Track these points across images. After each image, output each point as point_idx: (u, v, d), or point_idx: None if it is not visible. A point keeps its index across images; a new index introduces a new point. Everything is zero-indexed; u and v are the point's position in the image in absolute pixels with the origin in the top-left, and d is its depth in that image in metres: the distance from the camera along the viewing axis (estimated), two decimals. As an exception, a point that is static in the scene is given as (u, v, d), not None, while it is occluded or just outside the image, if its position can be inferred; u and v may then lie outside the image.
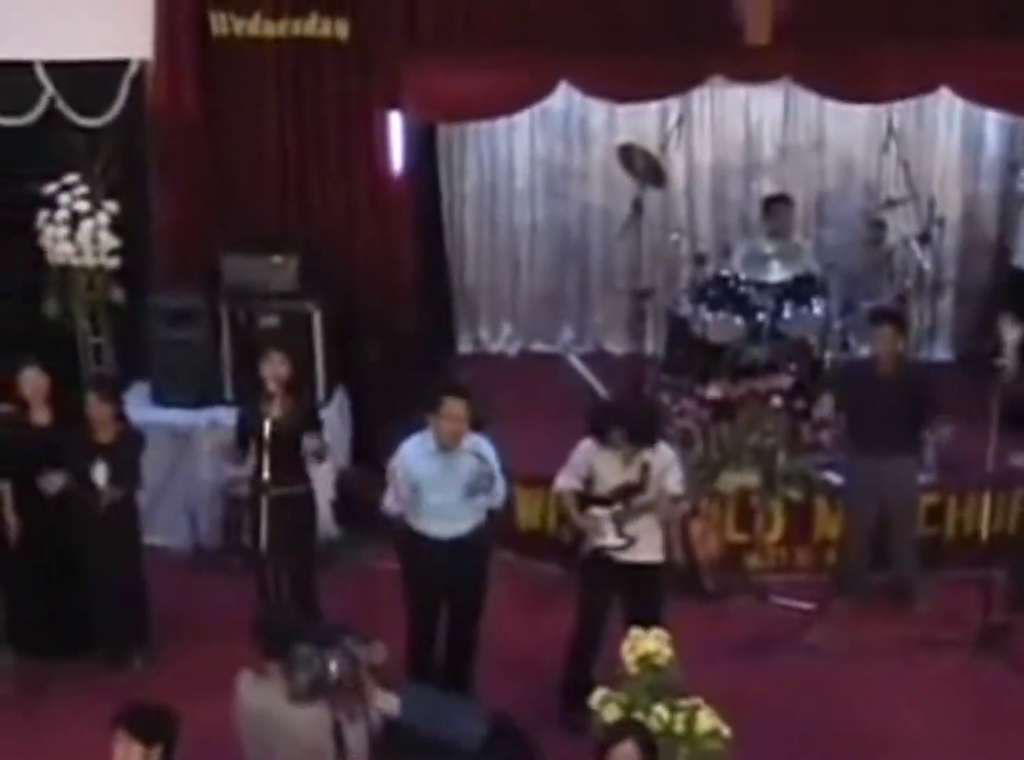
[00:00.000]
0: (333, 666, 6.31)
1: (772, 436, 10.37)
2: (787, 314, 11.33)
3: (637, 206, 11.59)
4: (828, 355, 11.34)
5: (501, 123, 12.56)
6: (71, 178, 10.69)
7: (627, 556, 8.36)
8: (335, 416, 10.82)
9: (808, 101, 12.32)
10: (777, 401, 10.66)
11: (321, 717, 6.27)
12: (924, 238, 11.60)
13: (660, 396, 11.06)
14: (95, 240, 10.70)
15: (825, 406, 9.97)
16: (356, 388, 11.35)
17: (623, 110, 12.39)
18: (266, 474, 8.96)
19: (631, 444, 8.23)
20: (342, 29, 10.78)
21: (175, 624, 9.53)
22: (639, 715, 6.78)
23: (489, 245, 13.24)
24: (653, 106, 12.27)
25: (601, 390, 11.83)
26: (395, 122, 11.02)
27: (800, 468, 10.34)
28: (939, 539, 10.27)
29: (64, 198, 10.66)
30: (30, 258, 10.85)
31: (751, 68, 10.63)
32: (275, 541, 9.04)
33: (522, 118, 12.46)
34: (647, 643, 7.12)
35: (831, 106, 12.21)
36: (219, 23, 10.87)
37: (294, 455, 9.13)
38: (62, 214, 10.66)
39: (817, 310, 11.37)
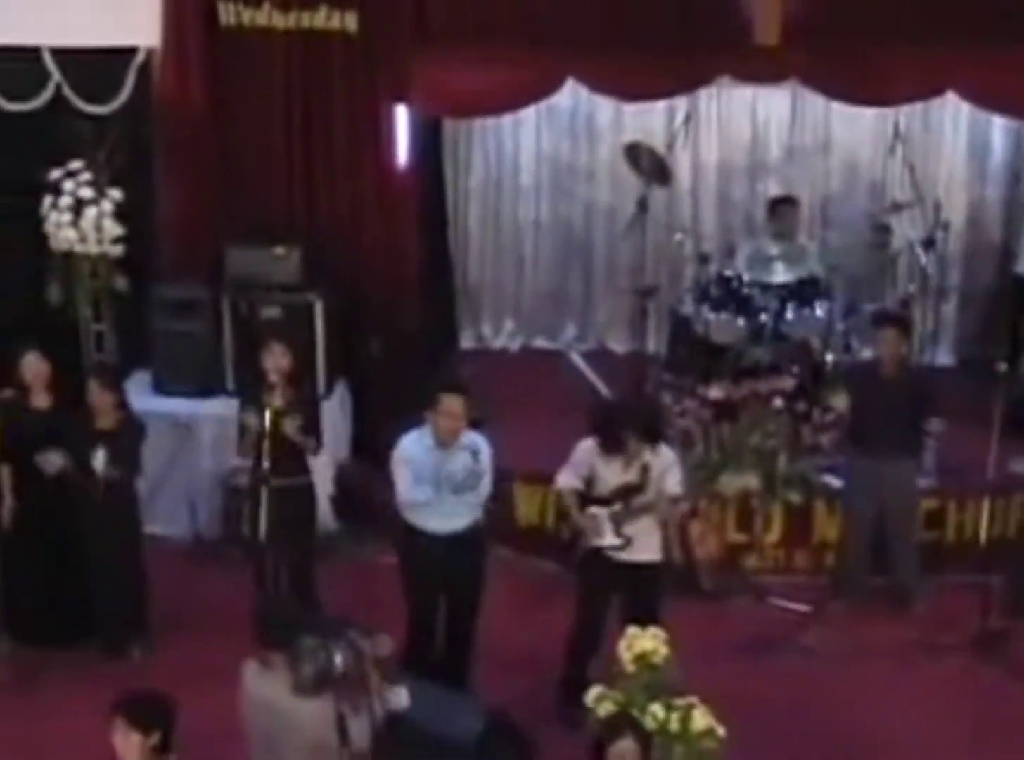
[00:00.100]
0: (338, 659, 6.31)
1: (773, 438, 10.36)
2: (790, 315, 11.33)
3: (642, 204, 11.59)
4: (830, 357, 11.33)
5: (507, 119, 12.56)
6: (76, 164, 10.68)
7: (625, 556, 8.36)
8: (336, 409, 10.81)
9: (815, 103, 12.33)
10: (779, 402, 10.64)
11: (325, 709, 6.26)
12: (929, 242, 11.58)
13: (662, 395, 11.04)
14: (99, 228, 10.70)
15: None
16: (357, 382, 11.34)
17: (630, 108, 12.39)
18: (266, 465, 8.95)
19: (641, 443, 8.21)
20: (351, 22, 10.77)
21: (173, 613, 9.51)
22: (635, 713, 6.77)
23: (493, 241, 13.24)
24: (660, 105, 12.28)
25: (603, 388, 11.84)
26: (401, 116, 11.00)
27: (800, 470, 10.33)
28: (938, 543, 10.25)
29: (68, 185, 10.65)
30: (34, 245, 10.83)
31: (759, 68, 10.62)
32: (274, 532, 9.04)
33: (528, 114, 12.48)
34: (644, 642, 7.12)
35: (838, 108, 12.22)
36: (227, 13, 10.85)
37: (294, 446, 9.14)
38: (66, 201, 10.65)
39: (820, 312, 11.37)
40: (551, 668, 8.64)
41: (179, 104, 10.95)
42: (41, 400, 9.17)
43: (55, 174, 10.66)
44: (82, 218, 10.64)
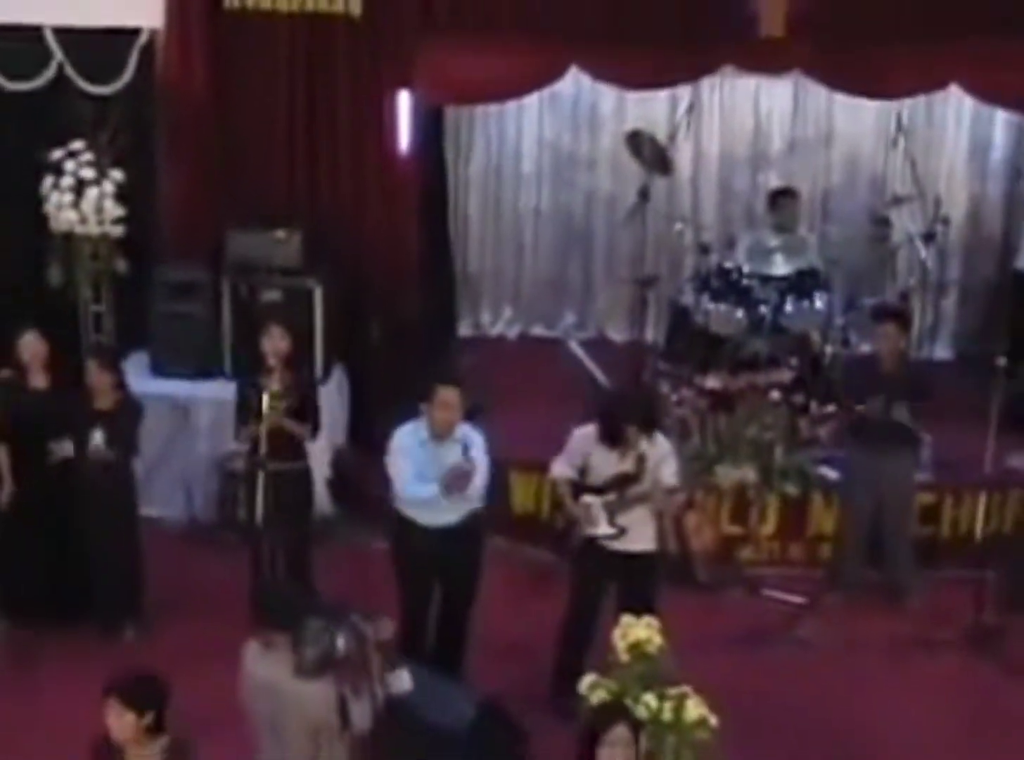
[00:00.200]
0: (341, 641, 6.33)
1: (770, 430, 10.35)
2: (789, 308, 11.33)
3: (643, 194, 11.59)
4: (829, 350, 11.33)
5: (510, 106, 12.57)
6: (77, 145, 10.66)
7: (619, 545, 8.35)
8: (334, 394, 10.81)
9: (817, 95, 12.34)
10: (776, 395, 10.64)
11: (327, 692, 6.28)
12: (929, 237, 11.59)
13: (659, 385, 11.05)
14: (99, 209, 10.68)
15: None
16: (355, 367, 11.33)
17: (632, 97, 12.41)
18: (263, 449, 8.95)
19: (639, 433, 8.20)
20: (355, 6, 10.75)
21: (168, 596, 9.51)
22: (628, 702, 6.77)
23: (493, 228, 13.24)
24: (662, 94, 12.30)
25: (601, 377, 11.83)
26: (404, 102, 10.99)
27: (797, 463, 10.33)
28: (934, 538, 10.26)
29: (70, 165, 10.63)
30: (34, 225, 10.81)
31: (763, 59, 10.63)
32: (271, 516, 9.03)
33: (531, 102, 12.48)
34: (638, 631, 7.11)
35: (840, 100, 12.24)
36: (231, -5, 10.86)
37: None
38: (67, 181, 10.63)
39: (819, 305, 11.37)
40: (545, 657, 8.63)
41: (182, 86, 10.94)
42: (39, 380, 9.17)
43: (56, 154, 10.64)
44: (83, 199, 10.62)
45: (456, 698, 7.94)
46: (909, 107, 12.12)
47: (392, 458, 8.35)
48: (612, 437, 8.25)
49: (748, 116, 12.78)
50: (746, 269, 11.48)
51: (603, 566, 8.42)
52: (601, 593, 8.49)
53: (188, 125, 11.03)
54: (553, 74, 10.84)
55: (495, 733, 7.96)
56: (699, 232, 12.41)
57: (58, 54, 10.97)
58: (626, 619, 7.19)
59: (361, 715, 6.38)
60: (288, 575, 9.15)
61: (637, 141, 11.66)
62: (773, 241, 11.59)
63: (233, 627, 8.74)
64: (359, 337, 11.21)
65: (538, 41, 10.45)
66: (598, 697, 6.90)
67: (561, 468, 8.52)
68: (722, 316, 11.36)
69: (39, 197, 10.72)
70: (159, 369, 10.98)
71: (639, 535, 8.38)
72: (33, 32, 10.95)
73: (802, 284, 11.40)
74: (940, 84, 10.80)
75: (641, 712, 6.69)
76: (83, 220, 10.67)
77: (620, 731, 5.98)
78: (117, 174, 10.71)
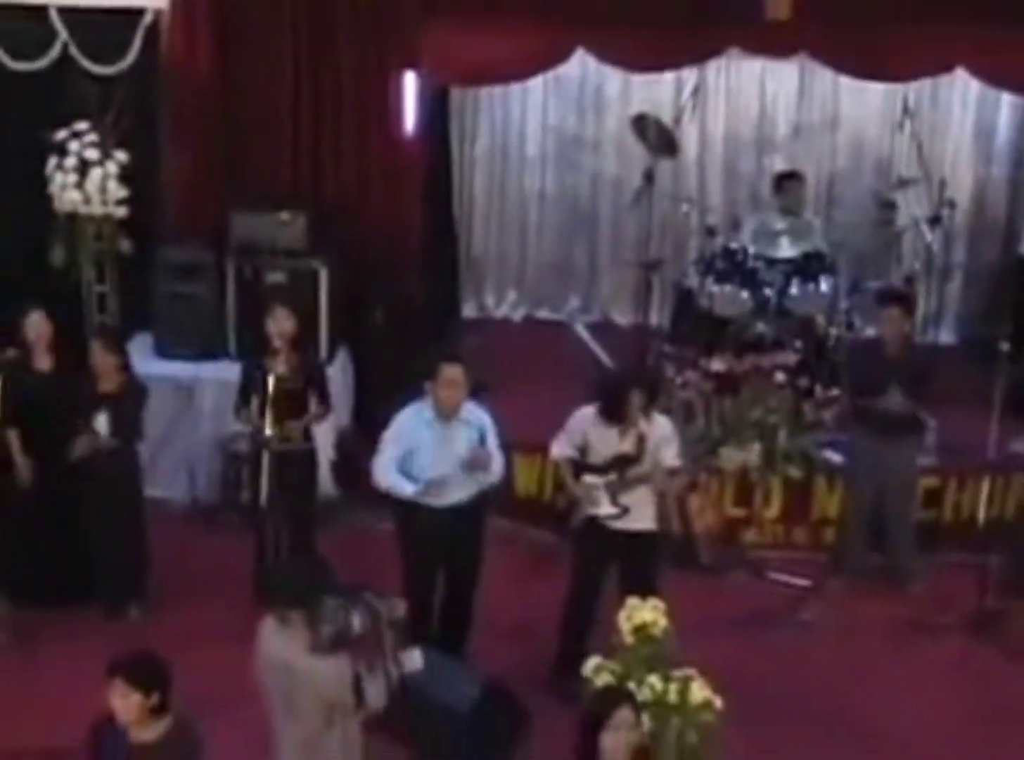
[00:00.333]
0: (356, 620, 6.33)
1: (775, 413, 10.34)
2: (794, 291, 11.32)
3: (648, 176, 11.56)
4: (833, 333, 11.32)
5: (515, 88, 12.54)
6: (81, 125, 10.64)
7: (621, 525, 8.37)
8: (338, 376, 10.79)
9: (823, 78, 12.32)
10: (781, 377, 10.64)
11: (342, 669, 6.29)
12: (934, 220, 11.58)
13: (664, 367, 11.04)
14: (103, 189, 10.66)
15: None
16: (359, 349, 11.31)
17: (638, 79, 12.38)
18: (268, 430, 8.94)
19: (641, 412, 8.19)
20: (361, -14, 10.74)
21: (171, 577, 9.52)
22: (632, 685, 6.77)
23: (498, 211, 13.23)
24: (668, 76, 12.28)
25: (605, 359, 11.82)
26: (409, 84, 10.96)
27: (801, 446, 10.33)
28: (936, 522, 10.26)
29: (74, 145, 10.62)
30: (38, 206, 10.80)
31: (769, 42, 10.61)
32: (275, 498, 9.04)
33: (536, 84, 12.46)
34: (644, 613, 7.11)
35: (846, 84, 12.21)
36: (236, -24, 10.83)
37: (297, 412, 9.14)
38: (71, 161, 10.61)
39: (824, 288, 11.36)
40: (547, 638, 8.65)
41: (186, 67, 10.91)
42: (44, 362, 9.16)
43: (60, 135, 10.62)
44: (87, 180, 10.61)
45: (460, 679, 7.95)
46: (915, 90, 12.08)
47: (383, 442, 8.38)
48: (612, 412, 8.24)
49: (754, 99, 12.75)
50: (751, 251, 11.48)
51: (605, 545, 8.43)
52: (603, 573, 8.50)
53: (192, 106, 11.00)
54: (559, 56, 10.81)
55: (498, 714, 7.98)
56: (704, 215, 12.38)
57: (63, 34, 10.94)
58: (631, 601, 7.19)
59: (375, 693, 6.40)
60: (291, 557, 9.14)
61: (642, 124, 11.65)
62: (779, 224, 11.59)
63: (236, 608, 8.85)
64: (363, 319, 11.19)
65: (544, 22, 10.41)
66: (603, 680, 6.91)
67: (561, 448, 8.54)
68: (727, 298, 11.35)
69: (43, 178, 10.70)
70: (163, 350, 10.97)
71: (641, 514, 8.39)
72: (38, 11, 10.91)
73: (807, 267, 11.39)
74: (946, 67, 10.77)
75: (646, 694, 6.69)
76: (87, 201, 10.65)
77: (624, 715, 5.97)
78: (121, 155, 10.70)
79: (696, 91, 12.11)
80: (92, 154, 10.61)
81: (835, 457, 10.27)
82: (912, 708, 8.54)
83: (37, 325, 9.10)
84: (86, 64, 10.95)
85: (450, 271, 12.81)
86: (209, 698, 7.41)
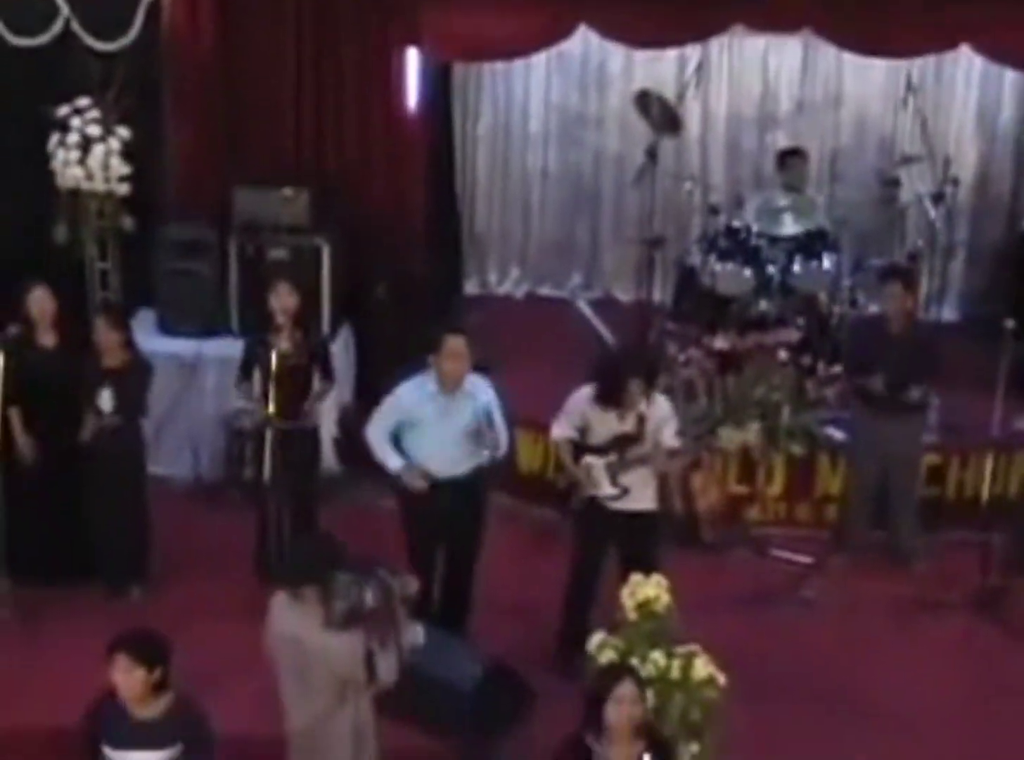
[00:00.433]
0: (369, 595, 6.34)
1: (778, 390, 10.33)
2: (797, 268, 11.30)
3: (651, 153, 11.53)
4: (836, 311, 11.30)
5: (517, 65, 12.50)
6: (83, 102, 10.62)
7: (620, 505, 8.36)
8: (340, 352, 10.78)
9: (827, 55, 12.28)
10: (784, 355, 10.63)
11: (355, 645, 6.30)
12: (938, 197, 11.53)
13: (666, 345, 11.04)
14: (106, 166, 10.64)
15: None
16: (362, 326, 11.31)
17: (641, 56, 12.35)
18: (271, 407, 8.93)
19: (644, 387, 8.18)
20: (363, -38, 10.71)
21: (173, 554, 9.52)
22: (635, 661, 6.78)
23: (500, 188, 13.21)
24: (671, 53, 12.25)
25: (608, 336, 11.81)
26: (412, 60, 10.94)
27: (804, 423, 10.31)
28: (939, 500, 10.25)
29: (76, 122, 10.59)
30: (41, 183, 10.78)
31: (773, 18, 10.58)
32: (278, 475, 9.03)
33: (539, 61, 12.42)
34: (647, 589, 7.12)
35: (849, 60, 12.18)
36: (239, -49, 10.80)
37: (300, 388, 9.13)
38: (73, 138, 10.58)
39: (827, 265, 11.33)
40: (549, 616, 8.66)
41: (188, 43, 10.89)
42: (47, 338, 9.13)
43: (63, 111, 10.60)
44: (89, 156, 10.58)
45: (463, 657, 7.97)
46: (919, 67, 12.04)
47: (380, 410, 8.42)
48: (610, 396, 8.22)
49: (757, 76, 12.71)
50: (755, 229, 11.46)
51: (605, 526, 8.43)
52: (603, 554, 8.50)
53: (195, 82, 10.99)
54: (562, 32, 10.78)
55: (501, 692, 7.99)
56: (707, 192, 12.35)
57: (65, 9, 10.90)
58: (635, 577, 7.20)
59: (387, 669, 6.42)
60: (293, 534, 9.14)
61: (645, 101, 11.62)
62: (782, 201, 11.56)
63: (239, 585, 8.87)
64: (366, 296, 11.18)
65: (547, -2, 10.41)
66: (606, 656, 6.92)
67: (561, 429, 8.52)
68: (730, 276, 11.33)
69: (45, 154, 10.68)
70: (166, 327, 10.96)
71: (640, 495, 8.39)
72: (40, -13, 10.91)
73: (810, 244, 11.37)
74: (951, 44, 10.73)
75: (649, 670, 6.71)
76: (89, 177, 10.62)
77: (626, 687, 5.99)
78: (123, 131, 10.67)
79: (699, 68, 12.06)
80: (94, 130, 10.58)
81: (838, 434, 10.27)
82: (914, 685, 8.55)
83: (41, 301, 9.06)
84: (88, 40, 10.92)
85: (453, 248, 12.78)
86: (211, 674, 7.45)
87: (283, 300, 9.07)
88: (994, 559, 9.46)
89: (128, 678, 5.92)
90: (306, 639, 6.31)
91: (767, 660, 8.54)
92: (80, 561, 9.29)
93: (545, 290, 13.30)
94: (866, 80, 12.54)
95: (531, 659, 8.35)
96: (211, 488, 10.63)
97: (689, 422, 9.58)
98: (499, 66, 12.53)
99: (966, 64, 12.22)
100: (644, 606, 7.05)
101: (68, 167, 10.62)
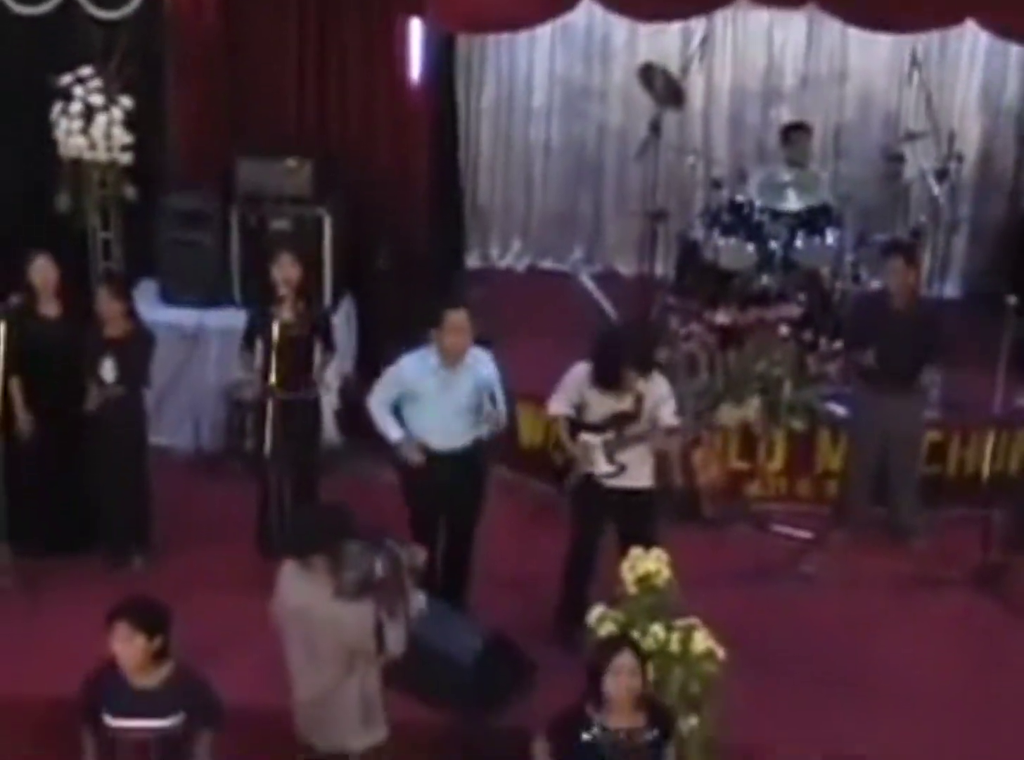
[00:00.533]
0: (379, 565, 6.34)
1: (779, 365, 10.32)
2: (800, 243, 11.30)
3: (655, 127, 11.51)
4: (839, 286, 11.29)
5: (521, 37, 12.47)
6: (86, 71, 10.59)
7: (617, 482, 8.35)
8: (342, 324, 10.77)
9: (832, 29, 12.24)
10: (785, 330, 10.62)
11: (365, 615, 6.30)
12: (942, 174, 11.50)
13: (668, 319, 11.03)
14: (108, 135, 10.61)
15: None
16: (363, 297, 11.29)
17: (645, 29, 12.32)
18: (273, 378, 8.92)
19: (636, 375, 8.17)
20: (366, -69, 10.67)
21: (175, 525, 9.52)
22: (636, 634, 6.79)
23: (503, 161, 13.18)
24: (675, 27, 12.22)
25: (610, 310, 11.81)
26: (415, 31, 10.90)
27: (805, 398, 10.31)
28: (940, 477, 10.24)
29: (78, 91, 10.56)
30: (43, 152, 10.75)
31: (778, -9, 10.55)
32: (279, 446, 9.03)
33: (543, 33, 12.40)
34: (647, 563, 7.13)
35: (854, 35, 12.15)
36: (241, -82, 10.75)
37: (302, 359, 9.13)
38: (76, 107, 10.56)
39: (830, 241, 11.32)
40: (549, 589, 8.66)
41: (190, 12, 10.83)
42: (50, 308, 9.11)
43: (65, 80, 10.56)
44: (92, 125, 10.56)
45: (463, 630, 7.99)
46: (924, 42, 12.01)
47: (382, 380, 8.44)
48: (606, 380, 8.21)
49: (761, 50, 12.68)
50: (758, 204, 11.45)
51: (601, 503, 8.42)
52: (599, 531, 8.50)
53: (197, 52, 10.94)
54: (566, 4, 10.71)
55: (502, 665, 8.01)
56: (710, 166, 12.33)
57: (67, -23, 10.89)
58: (635, 551, 7.20)
59: (396, 640, 6.42)
60: (294, 505, 9.14)
61: (649, 74, 11.59)
62: (785, 176, 11.55)
63: (240, 556, 8.88)
64: (367, 267, 11.16)
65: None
66: (606, 629, 6.93)
67: (558, 406, 8.51)
68: (732, 251, 11.32)
69: (48, 123, 10.65)
70: (168, 297, 10.94)
71: (637, 472, 8.38)
72: (42, -45, 10.87)
73: (814, 220, 11.36)
74: (956, 19, 10.66)
75: (649, 643, 6.72)
76: (92, 146, 10.60)
77: (625, 658, 6.00)
78: (126, 101, 10.64)
79: (704, 41, 12.04)
80: (97, 100, 10.55)
81: (839, 410, 10.26)
82: (914, 661, 8.56)
83: (43, 270, 9.04)
84: (90, 9, 10.86)
85: (455, 220, 12.76)
86: (213, 644, 7.46)
87: (285, 271, 9.06)
88: (994, 536, 9.46)
89: (128, 646, 5.92)
90: (316, 609, 6.31)
91: (767, 635, 8.55)
92: (81, 530, 9.30)
93: (547, 263, 13.28)
94: (871, 55, 12.51)
95: (531, 631, 8.37)
96: (212, 459, 10.63)
97: (690, 396, 9.57)
98: (503, 38, 12.48)
99: (971, 39, 12.19)
100: (644, 580, 7.07)
101: (71, 136, 10.59)
